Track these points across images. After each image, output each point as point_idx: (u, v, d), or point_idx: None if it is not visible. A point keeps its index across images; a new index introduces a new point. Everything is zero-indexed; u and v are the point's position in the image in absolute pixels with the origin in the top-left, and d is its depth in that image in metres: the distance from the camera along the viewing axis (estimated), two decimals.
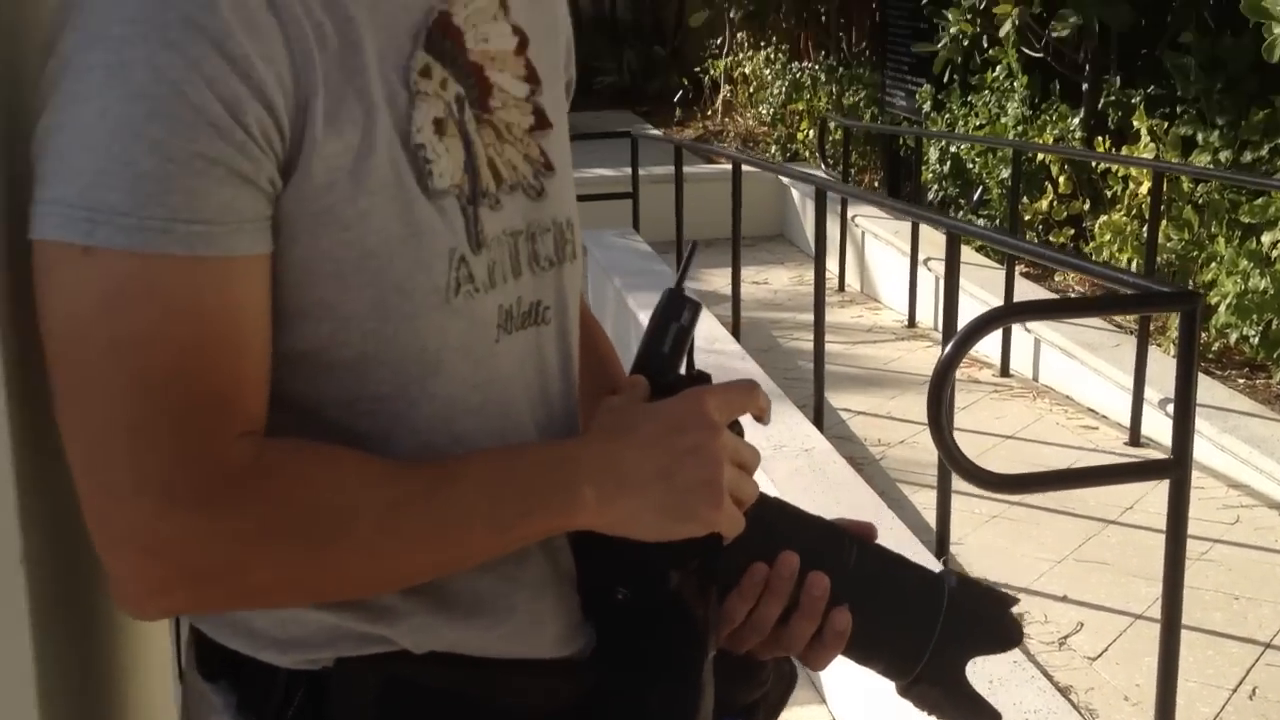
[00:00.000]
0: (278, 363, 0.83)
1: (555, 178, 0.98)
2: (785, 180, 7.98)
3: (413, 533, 0.82)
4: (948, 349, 2.71)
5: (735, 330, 5.73)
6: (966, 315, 4.06)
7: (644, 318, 5.31)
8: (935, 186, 7.58)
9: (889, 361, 5.99)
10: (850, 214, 7.22)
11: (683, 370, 0.96)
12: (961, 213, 7.29)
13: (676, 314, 0.96)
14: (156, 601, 0.79)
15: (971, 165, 7.28)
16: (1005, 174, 6.64)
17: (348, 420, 0.85)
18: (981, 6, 7.06)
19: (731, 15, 10.90)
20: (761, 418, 0.92)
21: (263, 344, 0.82)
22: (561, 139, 1.01)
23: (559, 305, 0.99)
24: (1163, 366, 4.83)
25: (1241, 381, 5.03)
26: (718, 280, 6.82)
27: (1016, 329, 5.53)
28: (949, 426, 2.71)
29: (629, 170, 7.39)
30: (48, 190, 0.76)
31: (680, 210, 6.59)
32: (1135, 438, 4.68)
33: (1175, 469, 2.69)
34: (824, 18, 10.49)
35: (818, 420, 4.62)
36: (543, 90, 0.98)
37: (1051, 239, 6.65)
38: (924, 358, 5.89)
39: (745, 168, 6.01)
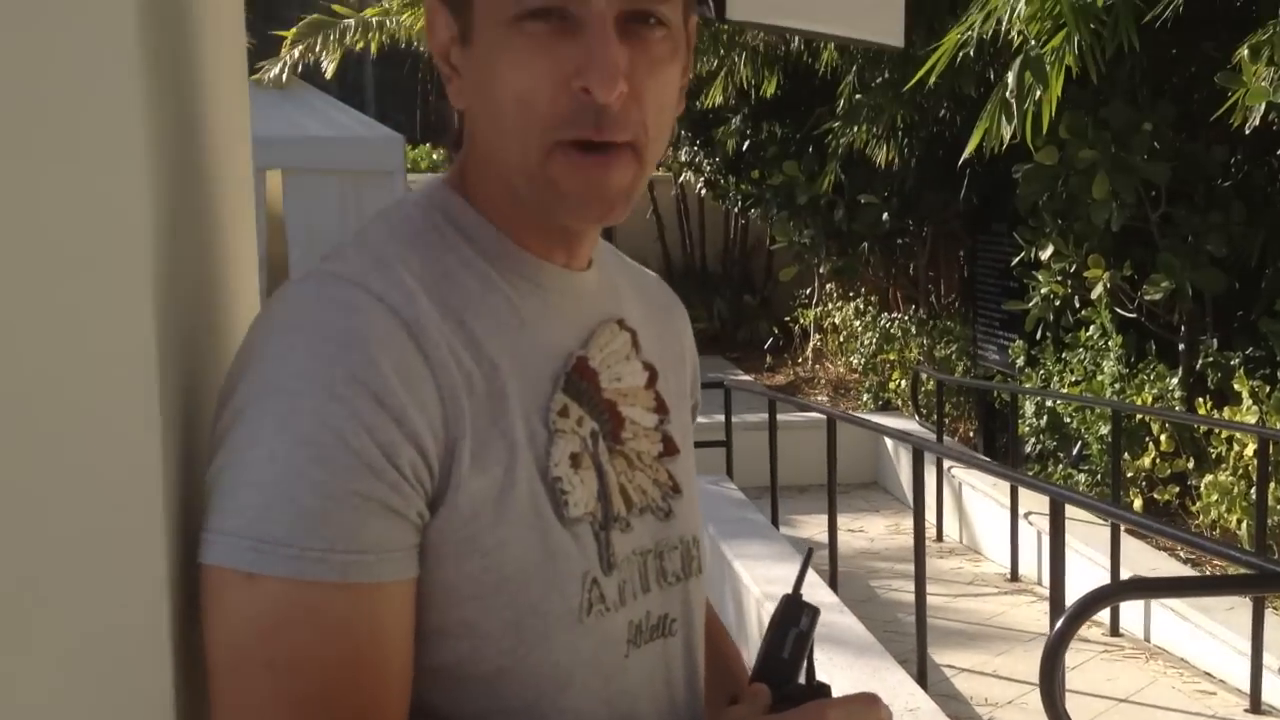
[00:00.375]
0: (419, 675, 0.89)
1: (682, 499, 1.06)
2: None
3: None
4: (1058, 625, 2.70)
5: (832, 581, 5.69)
6: (1073, 573, 4.01)
7: (739, 566, 5.32)
8: (1032, 440, 7.57)
9: (993, 616, 5.88)
10: (946, 465, 7.23)
11: (803, 678, 0.99)
12: (1061, 467, 7.25)
13: (795, 619, 1.00)
14: None
15: (1069, 420, 7.29)
16: (1104, 429, 6.63)
17: None
18: (1072, 269, 7.20)
19: (821, 270, 11.20)
20: None
21: (404, 664, 0.88)
22: (687, 462, 1.09)
23: (685, 618, 1.05)
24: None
25: None
26: (812, 528, 6.82)
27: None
28: (1062, 701, 2.67)
29: (722, 418, 7.51)
30: (218, 521, 0.84)
31: (774, 459, 6.64)
32: (1256, 704, 4.52)
33: None
34: (913, 271, 10.74)
35: (921, 677, 4.52)
36: (671, 418, 1.07)
37: (1156, 497, 6.58)
38: (1029, 613, 5.78)
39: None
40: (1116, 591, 4.35)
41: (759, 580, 5.03)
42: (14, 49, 0.78)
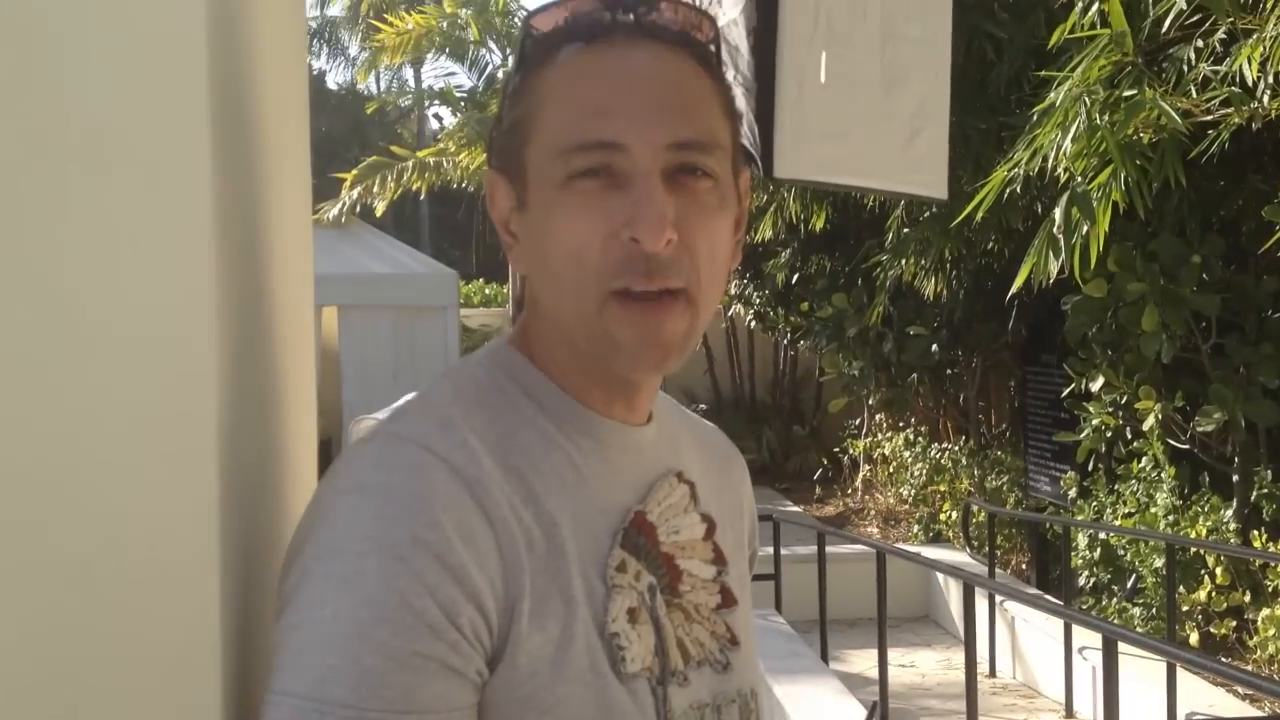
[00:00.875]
0: None
1: (740, 651, 1.06)
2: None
3: None
4: None
5: (884, 717, 5.62)
6: (1129, 708, 3.96)
7: (789, 705, 5.27)
8: (1086, 573, 7.49)
9: None
10: (999, 598, 7.16)
11: None
12: (1115, 600, 7.16)
13: None
14: None
15: (1122, 552, 7.21)
16: (1158, 562, 6.56)
17: None
18: (1123, 400, 7.20)
19: (870, 401, 11.24)
20: None
21: None
22: (745, 613, 1.10)
23: None
24: None
25: None
26: (862, 663, 6.75)
27: None
28: None
29: (771, 550, 7.49)
30: (282, 681, 0.85)
31: (823, 593, 6.60)
32: None
33: None
34: (963, 402, 10.75)
35: None
36: (729, 570, 1.08)
37: (1212, 630, 6.48)
38: None
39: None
40: None
41: (808, 718, 4.99)
42: (106, 196, 0.88)
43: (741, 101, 1.76)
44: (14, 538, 0.85)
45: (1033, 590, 7.80)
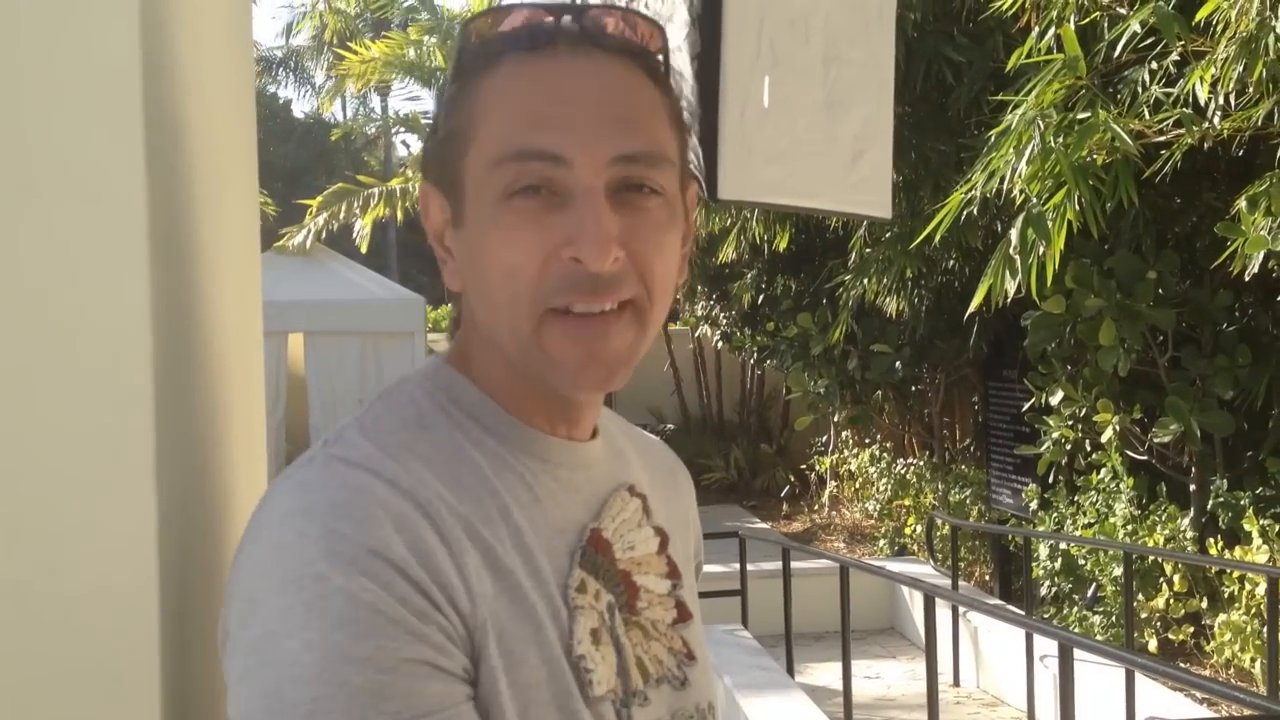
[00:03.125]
0: None
1: (696, 666, 1.03)
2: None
3: None
4: None
5: None
6: (1089, 715, 4.04)
7: (755, 718, 5.33)
8: (1048, 583, 7.60)
9: None
10: (962, 610, 7.25)
11: None
12: (1076, 609, 7.27)
13: None
14: None
15: (1083, 562, 7.33)
16: (1118, 571, 6.67)
17: None
18: (1082, 413, 7.32)
19: (836, 419, 11.35)
20: None
21: None
22: (699, 628, 1.06)
23: None
24: None
25: None
26: (828, 675, 6.81)
27: None
28: None
29: (737, 567, 7.56)
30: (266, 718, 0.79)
31: (788, 608, 6.67)
32: None
33: None
34: (927, 418, 10.87)
35: None
36: (682, 583, 1.05)
37: (1171, 637, 6.59)
38: None
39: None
40: None
41: None
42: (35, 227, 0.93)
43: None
44: None
45: (994, 601, 7.91)
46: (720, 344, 13.58)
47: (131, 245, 0.94)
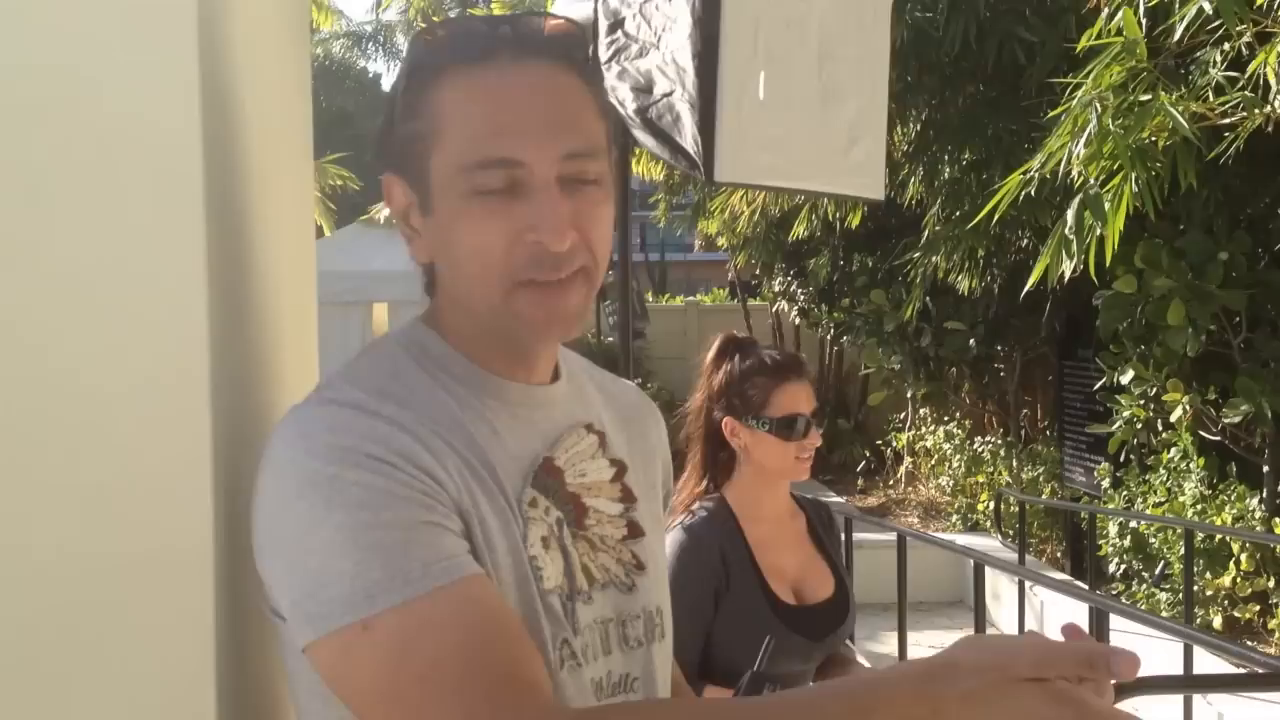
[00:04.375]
0: None
1: (646, 575, 1.21)
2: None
3: None
4: None
5: None
6: None
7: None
8: (1116, 560, 7.64)
9: None
10: (1029, 584, 7.32)
11: None
12: (1144, 586, 7.30)
13: (758, 691, 1.24)
14: None
15: (1153, 540, 7.36)
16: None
17: None
18: (1153, 393, 7.33)
19: (910, 394, 11.40)
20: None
21: (520, 624, 1.03)
22: (654, 543, 1.25)
23: (646, 677, 1.20)
24: None
25: None
26: (892, 643, 6.93)
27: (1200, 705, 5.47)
28: None
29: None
30: (315, 604, 0.97)
31: (851, 577, 6.78)
32: None
33: None
34: (1004, 396, 10.89)
35: None
36: (638, 506, 1.23)
37: (1236, 615, 6.61)
38: None
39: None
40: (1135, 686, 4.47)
41: None
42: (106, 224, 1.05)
43: (688, 115, 2.01)
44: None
45: (1060, 575, 7.94)
46: (798, 320, 13.67)
47: (189, 216, 1.07)
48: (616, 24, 2.17)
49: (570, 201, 1.07)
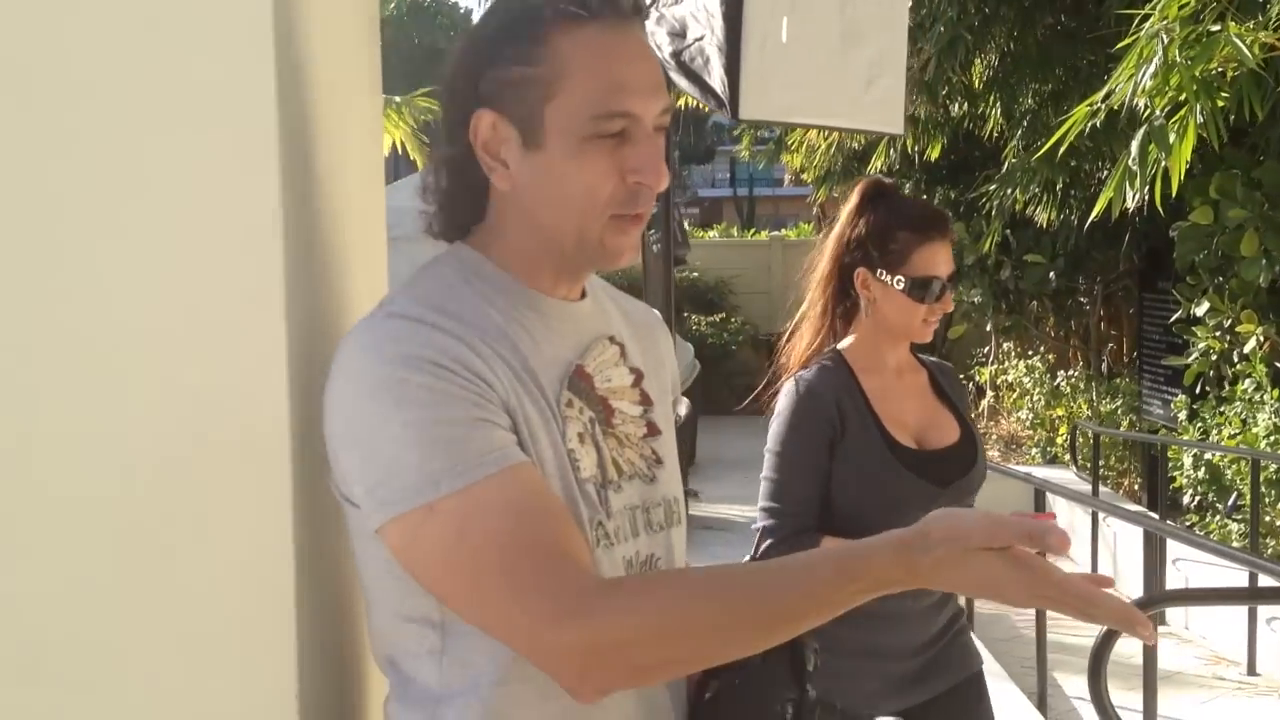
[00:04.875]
0: None
1: (664, 468, 1.36)
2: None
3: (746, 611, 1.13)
4: (1100, 632, 3.09)
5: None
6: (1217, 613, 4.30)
7: None
8: (1190, 491, 7.69)
9: (1131, 656, 6.06)
10: (1102, 516, 7.43)
11: None
12: (1217, 517, 7.37)
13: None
14: (584, 682, 1.12)
15: (1227, 472, 7.39)
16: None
17: None
18: (1228, 325, 7.34)
19: (991, 328, 11.43)
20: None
21: (568, 514, 1.18)
22: (669, 441, 1.39)
23: (668, 558, 1.35)
24: None
25: None
26: None
27: (1263, 630, 5.58)
28: (1108, 697, 3.05)
29: None
30: (389, 486, 1.12)
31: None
32: None
33: None
34: (1086, 329, 10.88)
35: (1041, 703, 4.83)
36: (654, 409, 1.38)
37: None
38: (1166, 652, 5.95)
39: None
40: (1160, 599, 4.62)
41: None
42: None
43: (716, 58, 2.20)
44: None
45: (1133, 506, 8.02)
46: None
47: (264, 160, 1.19)
48: None
49: (658, 148, 1.24)
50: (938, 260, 2.28)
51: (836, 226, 2.38)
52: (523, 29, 1.21)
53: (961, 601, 2.41)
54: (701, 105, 2.39)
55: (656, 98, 1.22)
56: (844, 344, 2.36)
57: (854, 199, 2.38)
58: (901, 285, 2.26)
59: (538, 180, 1.23)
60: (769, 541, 2.23)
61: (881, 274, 2.28)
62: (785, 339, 2.45)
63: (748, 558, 2.20)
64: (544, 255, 1.27)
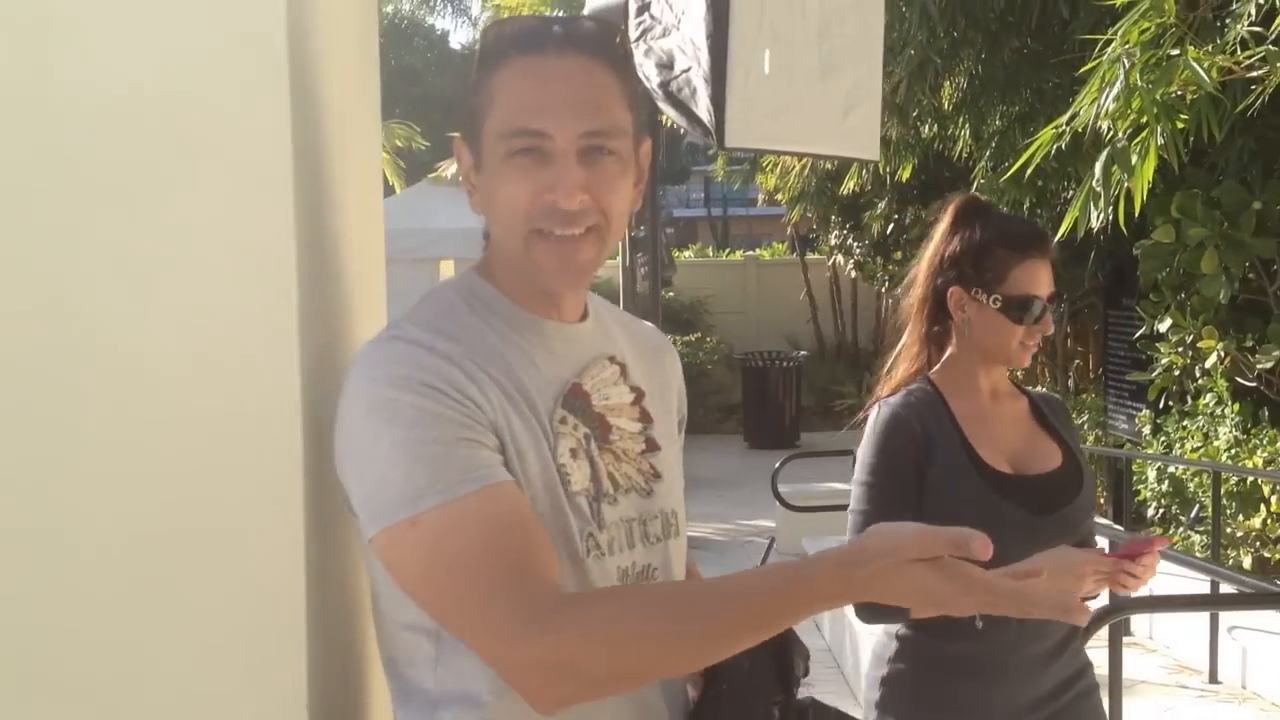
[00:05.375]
0: None
1: (662, 482, 1.41)
2: None
3: (697, 626, 1.15)
4: None
5: None
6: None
7: (856, 618, 5.73)
8: (1155, 504, 7.88)
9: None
10: None
11: None
12: (1180, 529, 7.55)
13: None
14: (542, 696, 1.16)
15: (1189, 484, 7.59)
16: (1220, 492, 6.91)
17: None
18: (1189, 341, 7.54)
19: None
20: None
21: (539, 525, 1.23)
22: (669, 456, 1.45)
23: (665, 568, 1.39)
24: None
25: None
26: None
27: (1224, 638, 5.74)
28: None
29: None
30: (373, 504, 1.19)
31: None
32: None
33: None
34: (1056, 346, 11.09)
35: None
36: (655, 426, 1.43)
37: (1266, 555, 6.85)
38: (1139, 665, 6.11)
39: None
40: (1124, 607, 4.76)
41: (872, 627, 5.45)
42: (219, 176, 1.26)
43: (702, 89, 2.35)
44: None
45: (1101, 520, 8.18)
46: (854, 273, 13.89)
47: (279, 187, 1.26)
48: (644, 7, 2.50)
49: (587, 170, 1.27)
50: (1037, 279, 2.15)
51: (930, 245, 2.25)
52: (483, 63, 1.32)
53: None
54: (677, 125, 2.51)
55: (577, 118, 1.26)
56: (935, 370, 2.23)
57: (948, 216, 2.25)
58: (998, 305, 2.12)
59: (485, 199, 1.32)
60: None
61: (977, 293, 2.14)
62: (885, 369, 2.31)
63: None
64: (515, 277, 1.35)
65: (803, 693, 1.40)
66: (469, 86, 1.34)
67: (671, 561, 1.41)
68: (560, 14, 1.41)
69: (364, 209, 1.70)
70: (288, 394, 1.28)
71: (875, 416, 2.16)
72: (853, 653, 5.78)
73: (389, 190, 13.09)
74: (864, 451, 2.16)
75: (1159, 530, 7.85)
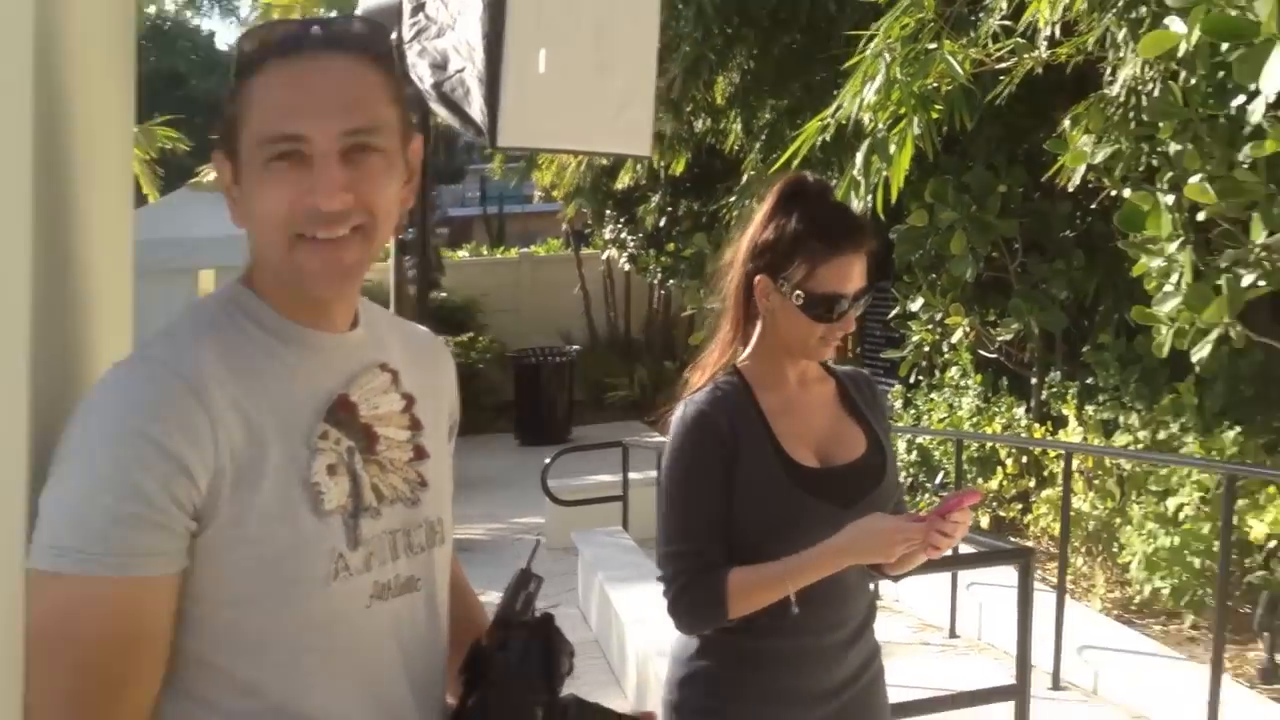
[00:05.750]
0: (209, 639, 1.22)
1: (429, 490, 1.38)
2: None
3: None
4: None
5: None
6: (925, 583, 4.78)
7: (624, 604, 5.92)
8: (905, 473, 8.34)
9: None
10: None
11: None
12: (926, 495, 8.05)
13: (525, 585, 1.39)
14: None
15: (935, 453, 8.13)
16: (962, 458, 7.42)
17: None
18: (939, 318, 8.06)
19: None
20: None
21: (164, 644, 1.19)
22: (438, 464, 1.42)
23: (428, 577, 1.38)
24: (1085, 616, 5.52)
25: (1157, 628, 5.67)
26: None
27: (963, 594, 6.18)
28: None
29: (618, 476, 8.32)
30: (35, 536, 1.15)
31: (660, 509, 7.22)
32: (1056, 681, 5.32)
33: (1017, 694, 3.76)
34: None
35: None
36: (425, 432, 1.40)
37: (1002, 514, 7.39)
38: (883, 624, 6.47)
39: None
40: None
41: (637, 617, 5.62)
42: None
43: (476, 89, 2.44)
44: None
45: None
46: (628, 266, 14.15)
47: (15, 200, 1.18)
48: (419, 7, 2.56)
49: (350, 170, 1.23)
50: (846, 276, 2.06)
51: (749, 228, 2.17)
52: (239, 72, 1.27)
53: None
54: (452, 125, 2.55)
55: (336, 117, 1.22)
56: (743, 357, 2.18)
57: (770, 198, 2.16)
58: (800, 301, 2.05)
59: (245, 210, 1.27)
60: (676, 587, 2.06)
61: (782, 285, 2.07)
62: (700, 355, 2.26)
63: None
64: (280, 287, 1.30)
65: (568, 686, 1.41)
66: (226, 96, 1.29)
67: (435, 570, 1.41)
68: (328, 14, 1.39)
69: (111, 218, 1.59)
70: (12, 425, 1.21)
71: (682, 415, 2.10)
72: (619, 644, 5.92)
73: (144, 200, 12.51)
74: (670, 454, 2.11)
75: (908, 499, 8.34)
